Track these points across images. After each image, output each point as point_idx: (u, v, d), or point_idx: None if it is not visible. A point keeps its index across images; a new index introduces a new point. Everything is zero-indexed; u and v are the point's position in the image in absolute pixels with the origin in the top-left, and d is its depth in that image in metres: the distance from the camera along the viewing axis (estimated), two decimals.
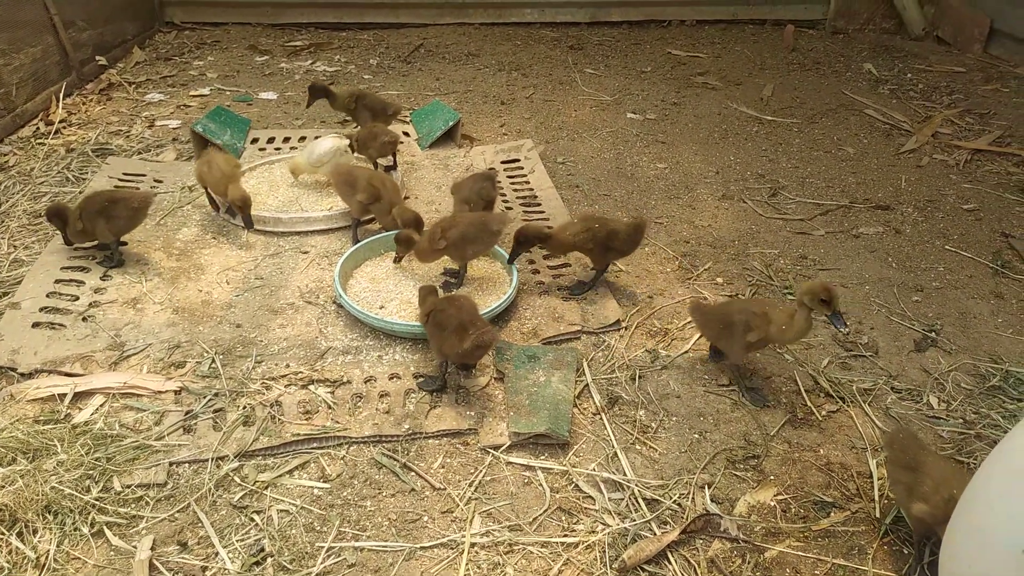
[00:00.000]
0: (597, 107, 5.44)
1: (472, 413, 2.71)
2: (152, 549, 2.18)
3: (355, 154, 4.12)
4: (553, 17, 7.22)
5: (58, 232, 3.41)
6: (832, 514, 2.43)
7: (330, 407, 2.70)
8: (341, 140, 3.94)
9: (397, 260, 3.37)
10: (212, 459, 2.48)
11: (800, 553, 2.30)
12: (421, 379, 2.84)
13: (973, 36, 6.49)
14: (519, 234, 3.23)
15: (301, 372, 2.83)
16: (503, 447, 2.60)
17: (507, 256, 3.31)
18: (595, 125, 5.15)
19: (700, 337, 3.13)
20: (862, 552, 2.31)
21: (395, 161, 4.21)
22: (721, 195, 4.30)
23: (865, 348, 3.12)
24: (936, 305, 3.40)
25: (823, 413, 2.80)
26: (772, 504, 2.46)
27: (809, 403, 2.83)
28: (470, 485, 2.47)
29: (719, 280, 3.53)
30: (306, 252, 3.56)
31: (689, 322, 3.22)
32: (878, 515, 2.42)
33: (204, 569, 2.16)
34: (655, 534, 2.33)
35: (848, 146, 4.94)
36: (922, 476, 2.18)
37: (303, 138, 4.69)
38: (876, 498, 2.47)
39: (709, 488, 2.50)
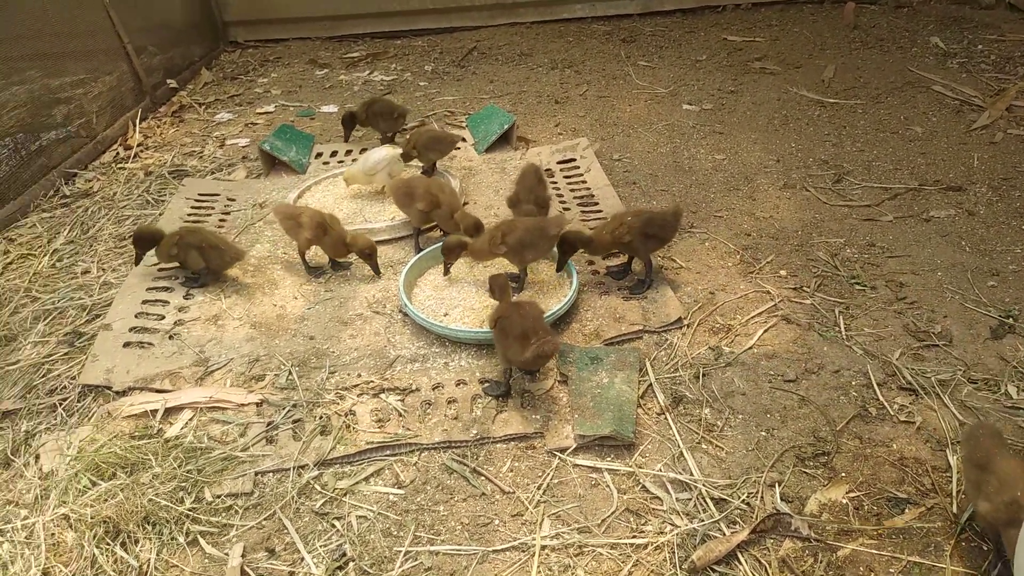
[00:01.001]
0: (652, 100, 5.42)
1: (537, 417, 2.77)
2: (243, 556, 2.32)
3: (408, 162, 4.22)
4: (604, 11, 7.20)
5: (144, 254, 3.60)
6: (907, 511, 2.40)
7: (401, 415, 2.80)
8: (395, 149, 4.05)
9: (446, 271, 3.41)
10: (294, 468, 2.61)
11: (874, 551, 2.28)
12: (487, 384, 2.91)
13: None
14: (560, 243, 3.28)
15: (372, 381, 2.94)
16: (569, 449, 2.65)
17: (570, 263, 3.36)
18: (650, 119, 5.13)
19: (766, 332, 3.11)
20: (939, 549, 2.28)
21: (434, 166, 4.31)
22: (783, 184, 4.23)
23: (938, 337, 3.04)
24: (1013, 290, 3.28)
25: (895, 407, 2.75)
26: (844, 502, 2.44)
27: (881, 397, 2.79)
28: (538, 488, 2.53)
29: (783, 273, 3.49)
30: None
31: (752, 317, 3.20)
32: (955, 511, 2.37)
33: (291, 574, 2.29)
34: (724, 534, 2.34)
35: (916, 125, 4.78)
36: (989, 474, 2.13)
37: (363, 149, 4.82)
38: (953, 494, 2.42)
39: (778, 487, 2.49)
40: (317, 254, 3.67)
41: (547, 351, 2.67)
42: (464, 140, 4.93)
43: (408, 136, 4.34)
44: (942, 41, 5.97)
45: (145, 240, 3.52)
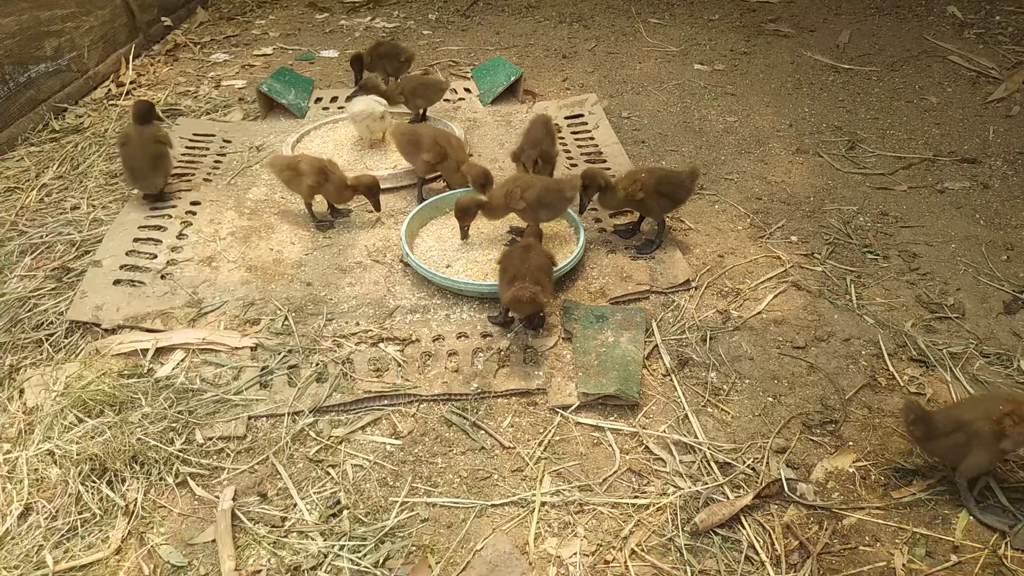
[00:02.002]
0: (662, 59, 5.27)
1: (540, 373, 2.70)
2: (234, 499, 2.26)
3: (395, 106, 4.08)
4: None
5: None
6: (914, 482, 2.35)
7: (400, 365, 2.72)
8: (377, 105, 3.88)
9: (464, 234, 3.24)
10: (288, 414, 2.53)
11: (880, 521, 2.24)
12: (493, 315, 2.92)
13: None
14: (584, 177, 3.18)
15: (371, 330, 2.85)
16: (572, 407, 2.59)
17: (574, 215, 3.26)
18: (661, 77, 4.99)
19: (775, 297, 3.04)
20: (946, 522, 2.24)
21: (424, 113, 4.20)
22: (795, 149, 4.13)
23: (951, 310, 2.98)
24: None
25: (906, 377, 2.70)
26: (851, 470, 2.39)
27: (891, 367, 2.73)
28: (539, 444, 2.47)
29: (793, 239, 3.40)
30: (371, 211, 3.57)
31: (761, 282, 3.13)
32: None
33: (284, 519, 2.22)
34: (728, 498, 2.29)
35: (931, 95, 4.67)
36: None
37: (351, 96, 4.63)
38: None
39: (784, 453, 2.44)
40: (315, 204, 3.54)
41: (522, 296, 2.61)
42: (468, 91, 4.78)
43: (398, 81, 4.20)
44: (959, 10, 5.83)
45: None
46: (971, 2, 6.02)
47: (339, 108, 4.57)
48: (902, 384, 2.67)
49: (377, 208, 3.44)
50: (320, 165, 3.33)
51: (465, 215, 3.16)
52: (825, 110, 4.54)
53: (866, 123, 4.40)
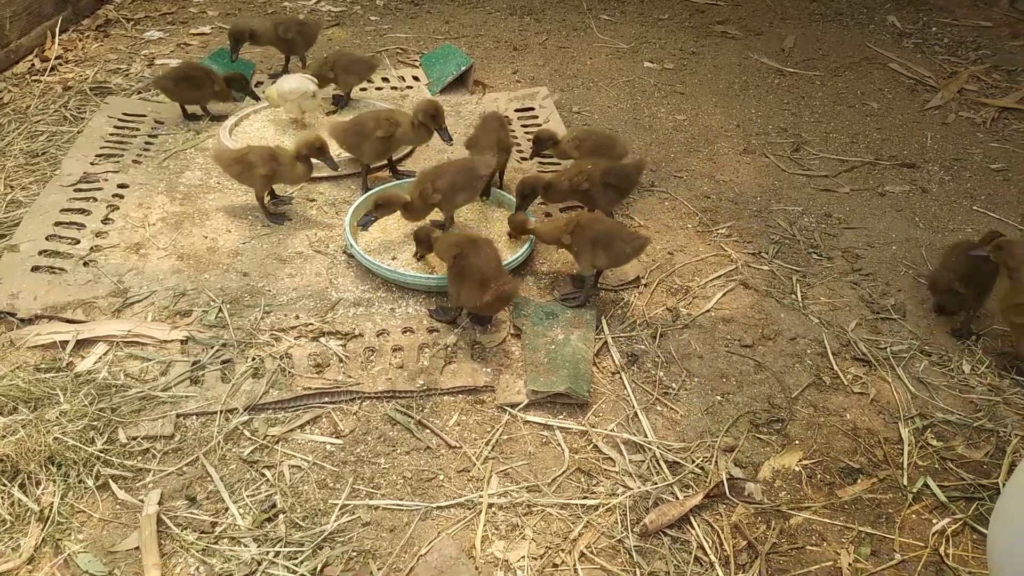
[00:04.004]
0: (613, 55, 5.25)
1: (488, 370, 2.62)
2: (160, 503, 2.11)
3: (324, 86, 3.98)
4: None
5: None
6: (859, 481, 2.37)
7: (342, 360, 2.61)
8: (309, 84, 3.75)
9: (366, 227, 3.02)
10: (221, 412, 2.39)
11: (826, 520, 2.24)
12: (435, 309, 2.80)
13: None
14: (519, 187, 3.13)
15: (311, 324, 2.73)
16: (520, 405, 2.52)
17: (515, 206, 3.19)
18: (611, 74, 4.96)
19: (724, 296, 3.03)
20: (890, 521, 2.25)
21: (347, 97, 4.13)
22: (742, 149, 4.15)
23: (893, 310, 3.02)
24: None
25: (849, 376, 2.72)
26: (797, 469, 2.39)
27: (835, 366, 2.75)
28: (487, 444, 2.39)
29: (741, 237, 3.41)
30: (313, 200, 3.43)
31: (710, 280, 3.12)
32: (905, 483, 2.36)
33: (214, 524, 2.09)
34: (677, 498, 2.26)
35: (872, 101, 4.77)
36: None
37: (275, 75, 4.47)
38: (904, 466, 2.40)
39: (732, 452, 2.43)
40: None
41: (507, 292, 2.53)
42: (417, 79, 4.67)
43: (325, 57, 4.07)
44: (898, 20, 5.97)
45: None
46: (909, 12, 6.18)
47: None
48: (846, 383, 2.69)
49: (333, 167, 3.31)
50: (270, 152, 3.17)
51: (384, 209, 2.96)
52: (771, 112, 4.58)
53: (810, 126, 4.45)
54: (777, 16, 6.07)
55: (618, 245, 2.77)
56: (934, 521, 2.25)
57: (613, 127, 4.30)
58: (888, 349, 2.83)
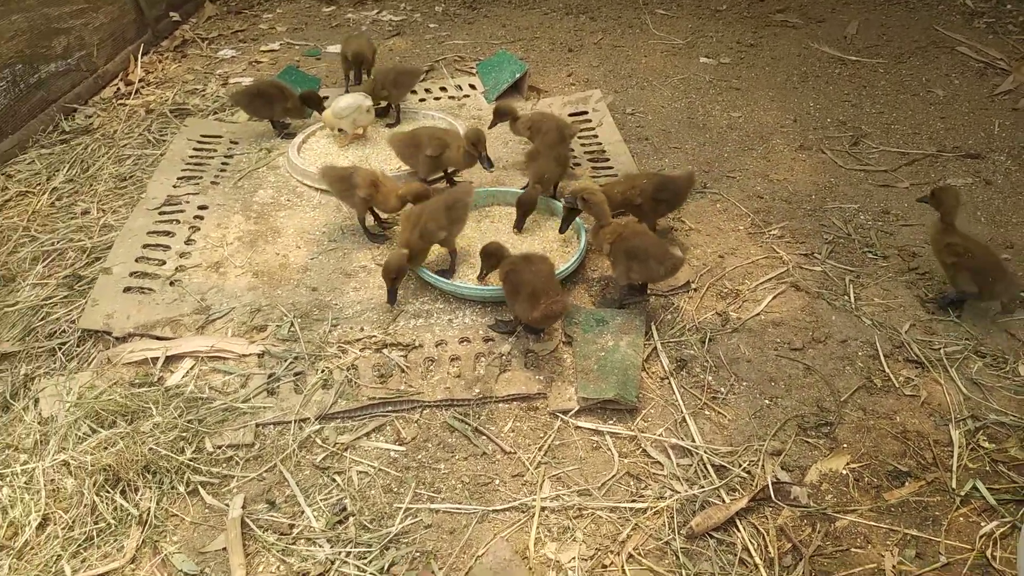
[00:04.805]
0: (668, 52, 5.26)
1: (541, 377, 2.75)
2: (243, 507, 2.33)
3: (378, 103, 4.16)
4: None
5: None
6: (907, 484, 2.40)
7: (403, 371, 2.78)
8: (364, 99, 3.93)
9: (392, 298, 3.00)
10: (295, 421, 2.60)
11: (872, 523, 2.29)
12: (495, 324, 2.94)
13: None
14: (567, 199, 3.13)
15: (375, 336, 2.91)
16: (572, 412, 2.64)
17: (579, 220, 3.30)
18: (666, 71, 4.99)
19: (774, 299, 3.07)
20: (936, 523, 2.28)
21: (398, 117, 4.29)
22: (799, 145, 4.13)
23: (951, 309, 3.00)
24: None
25: (901, 379, 2.73)
26: (844, 473, 2.44)
27: (887, 369, 2.76)
28: (540, 449, 2.53)
29: (794, 238, 3.42)
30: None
31: (761, 283, 3.16)
32: (954, 486, 2.37)
33: (291, 526, 2.30)
34: (724, 501, 2.35)
35: (938, 88, 4.65)
36: None
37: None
38: (953, 468, 2.42)
39: (779, 456, 2.49)
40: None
41: (555, 311, 2.65)
42: (473, 87, 4.81)
43: (372, 76, 4.25)
44: None
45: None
46: None
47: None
48: (897, 385, 2.71)
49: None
50: (372, 177, 3.29)
51: (398, 276, 2.94)
52: (830, 104, 4.53)
53: (871, 117, 4.38)
54: (840, 1, 5.94)
55: (652, 264, 2.86)
56: (982, 524, 2.27)
57: (666, 128, 4.34)
58: (942, 350, 2.82)
